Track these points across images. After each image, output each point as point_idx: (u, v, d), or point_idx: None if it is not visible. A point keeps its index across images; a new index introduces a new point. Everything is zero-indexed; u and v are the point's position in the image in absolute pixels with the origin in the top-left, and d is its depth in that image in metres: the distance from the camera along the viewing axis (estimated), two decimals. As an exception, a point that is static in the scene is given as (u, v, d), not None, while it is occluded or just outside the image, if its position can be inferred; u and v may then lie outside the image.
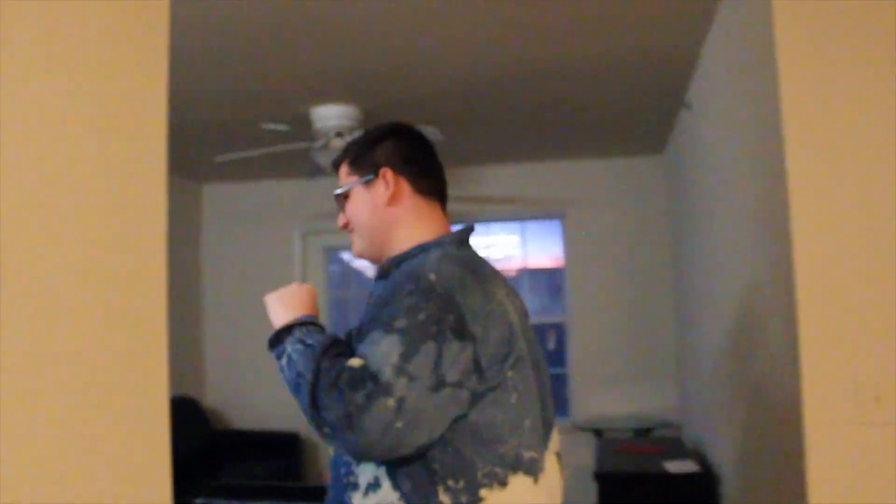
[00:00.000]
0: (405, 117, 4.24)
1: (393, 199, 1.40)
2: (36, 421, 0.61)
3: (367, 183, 1.42)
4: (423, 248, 1.35)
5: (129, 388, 0.75)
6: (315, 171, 4.40)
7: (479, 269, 1.31)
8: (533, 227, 6.14)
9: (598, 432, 5.06)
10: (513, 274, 6.14)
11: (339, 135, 3.99)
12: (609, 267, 5.69)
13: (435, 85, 3.86)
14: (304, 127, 4.09)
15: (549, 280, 6.26)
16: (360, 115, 4.07)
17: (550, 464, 1.33)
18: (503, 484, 1.21)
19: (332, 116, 3.99)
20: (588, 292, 5.72)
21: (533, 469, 1.26)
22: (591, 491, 3.61)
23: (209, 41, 3.12)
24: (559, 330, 5.99)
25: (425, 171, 1.44)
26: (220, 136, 4.68)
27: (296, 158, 4.51)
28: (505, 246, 6.18)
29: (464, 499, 1.20)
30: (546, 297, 6.26)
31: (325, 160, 4.11)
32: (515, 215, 6.00)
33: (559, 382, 5.82)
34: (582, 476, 4.94)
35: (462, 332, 1.19)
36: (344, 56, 3.40)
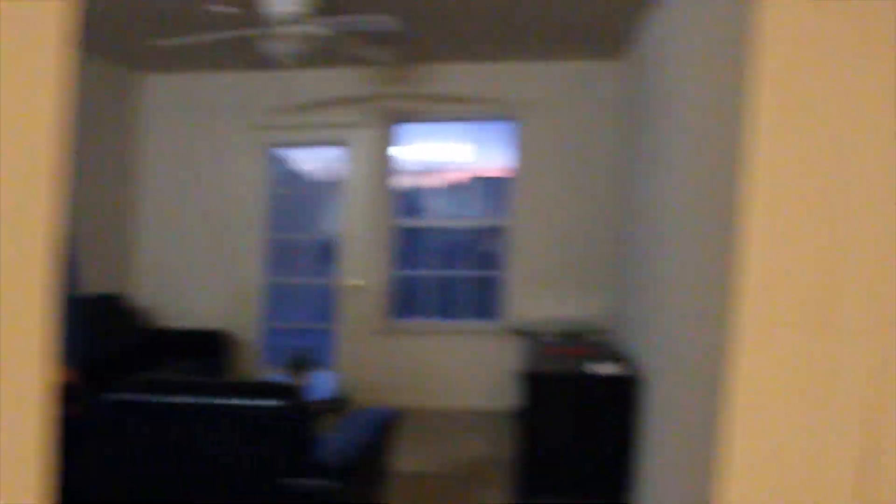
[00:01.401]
0: (361, 5, 4.12)
1: None
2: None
3: None
4: None
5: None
6: (271, 61, 4.26)
7: None
8: (491, 134, 6.08)
9: (529, 335, 5.22)
10: (466, 180, 6.13)
11: (289, 22, 3.86)
12: (556, 173, 5.74)
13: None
14: (254, 13, 3.94)
15: (503, 188, 6.30)
16: None
17: None
18: None
19: (283, 1, 3.84)
20: (533, 197, 5.78)
21: None
22: (521, 390, 3.77)
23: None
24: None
25: None
26: (163, 22, 4.48)
27: (246, 49, 4.36)
28: (458, 152, 6.15)
29: None
30: (499, 204, 6.30)
31: (274, 49, 3.98)
32: (470, 116, 5.89)
33: (496, 286, 5.94)
34: (513, 375, 5.10)
35: None
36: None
